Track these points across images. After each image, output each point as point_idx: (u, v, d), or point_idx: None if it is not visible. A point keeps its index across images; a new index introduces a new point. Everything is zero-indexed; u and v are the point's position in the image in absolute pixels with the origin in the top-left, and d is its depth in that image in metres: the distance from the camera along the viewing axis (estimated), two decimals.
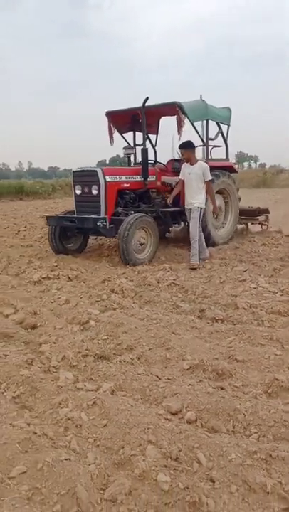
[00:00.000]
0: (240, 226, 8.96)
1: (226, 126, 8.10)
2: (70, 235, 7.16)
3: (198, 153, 7.50)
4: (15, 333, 3.61)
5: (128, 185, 6.78)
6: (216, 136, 7.92)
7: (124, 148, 7.51)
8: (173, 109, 6.88)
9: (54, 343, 3.40)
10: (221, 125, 7.99)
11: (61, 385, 2.73)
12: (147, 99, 6.57)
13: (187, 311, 4.22)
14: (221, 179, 7.50)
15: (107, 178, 6.35)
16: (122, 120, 7.84)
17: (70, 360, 3.11)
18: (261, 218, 8.94)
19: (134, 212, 6.44)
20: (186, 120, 6.91)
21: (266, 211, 9.11)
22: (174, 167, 8.08)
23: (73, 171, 6.94)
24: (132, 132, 8.21)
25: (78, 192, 6.68)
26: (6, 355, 3.13)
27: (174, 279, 5.26)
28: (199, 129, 7.50)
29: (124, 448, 2.09)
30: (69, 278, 5.60)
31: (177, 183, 6.73)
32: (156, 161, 8.06)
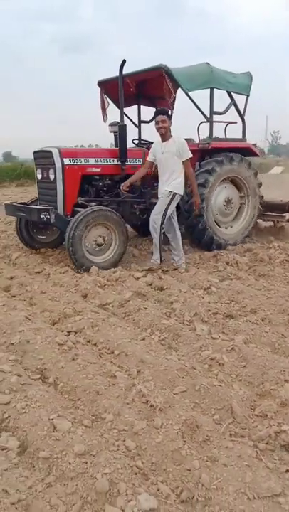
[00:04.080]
0: (265, 224, 7.47)
1: (244, 97, 6.44)
2: (43, 226, 5.91)
3: (204, 130, 6.21)
4: (147, 293, 4.16)
5: (99, 169, 5.47)
6: (227, 109, 6.24)
7: (110, 124, 5.78)
8: (159, 75, 5.48)
9: (183, 302, 3.87)
10: (236, 96, 6.33)
11: (199, 334, 3.20)
12: (124, 62, 5.20)
13: None
14: (228, 166, 5.98)
15: (66, 161, 5.18)
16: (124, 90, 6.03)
17: (202, 316, 3.57)
18: None
19: (97, 205, 5.28)
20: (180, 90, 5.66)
21: None
22: None
23: (33, 152, 5.78)
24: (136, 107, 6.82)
25: (39, 176, 5.59)
26: (145, 308, 3.68)
27: (285, 257, 5.49)
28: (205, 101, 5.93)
29: (264, 384, 2.50)
30: None
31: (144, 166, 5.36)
32: (148, 142, 6.39)
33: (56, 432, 2.01)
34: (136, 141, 6.59)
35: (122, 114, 5.63)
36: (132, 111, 6.88)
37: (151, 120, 6.54)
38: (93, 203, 5.30)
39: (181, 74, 5.55)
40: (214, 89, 5.91)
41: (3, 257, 5.77)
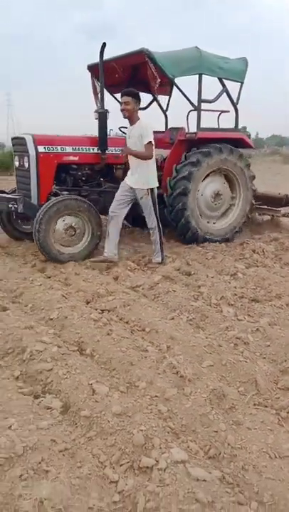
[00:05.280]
0: (264, 218, 7.15)
1: (238, 84, 5.95)
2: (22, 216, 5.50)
3: (192, 120, 5.83)
4: (175, 277, 4.34)
5: (76, 158, 5.24)
6: (218, 97, 5.78)
7: (95, 111, 5.36)
8: (142, 59, 5.17)
9: (210, 286, 4.04)
10: (229, 83, 5.85)
11: (225, 315, 3.37)
12: (104, 45, 4.93)
13: None
14: (216, 157, 5.60)
15: (40, 148, 4.97)
16: (115, 75, 5.80)
17: (228, 299, 3.72)
18: (287, 210, 6.71)
19: (77, 195, 5.11)
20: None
21: None
22: (171, 137, 6.20)
23: (12, 138, 5.51)
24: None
25: (16, 164, 5.38)
26: (174, 291, 3.86)
27: None
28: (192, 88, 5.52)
29: (287, 361, 2.66)
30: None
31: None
32: None
33: (95, 395, 2.23)
34: (124, 129, 6.16)
35: (103, 99, 5.35)
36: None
37: (145, 107, 6.52)
38: (66, 192, 5.13)
39: (165, 58, 5.19)
40: (205, 76, 5.50)
41: None
